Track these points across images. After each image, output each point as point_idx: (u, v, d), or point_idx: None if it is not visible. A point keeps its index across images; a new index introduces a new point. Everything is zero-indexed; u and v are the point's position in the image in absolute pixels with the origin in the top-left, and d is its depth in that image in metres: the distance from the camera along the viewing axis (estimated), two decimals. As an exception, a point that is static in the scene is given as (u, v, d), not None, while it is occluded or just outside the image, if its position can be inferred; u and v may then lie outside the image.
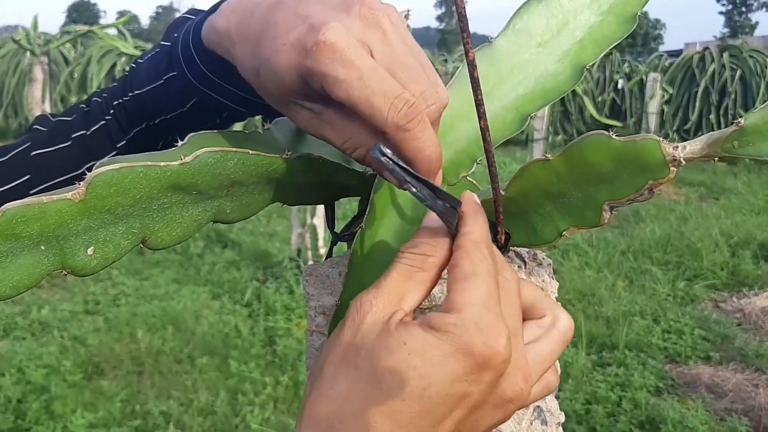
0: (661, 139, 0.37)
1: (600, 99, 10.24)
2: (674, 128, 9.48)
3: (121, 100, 0.57)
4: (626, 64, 10.77)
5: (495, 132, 0.48)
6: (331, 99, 0.40)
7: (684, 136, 9.32)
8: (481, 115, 0.40)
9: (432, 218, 0.41)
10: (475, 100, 0.39)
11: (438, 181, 0.43)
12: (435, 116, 0.42)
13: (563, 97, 8.51)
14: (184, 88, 0.53)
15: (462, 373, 0.35)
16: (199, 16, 0.52)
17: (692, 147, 0.37)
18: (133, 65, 0.58)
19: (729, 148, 0.36)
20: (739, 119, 0.35)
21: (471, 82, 0.39)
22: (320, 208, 4.23)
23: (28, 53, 6.48)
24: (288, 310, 3.64)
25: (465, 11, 0.37)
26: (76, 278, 3.81)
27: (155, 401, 2.81)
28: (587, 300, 4.03)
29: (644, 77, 9.63)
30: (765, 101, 0.35)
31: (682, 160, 0.36)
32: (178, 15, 0.60)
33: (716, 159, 0.36)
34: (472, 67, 0.38)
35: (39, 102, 5.78)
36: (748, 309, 3.99)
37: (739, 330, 3.72)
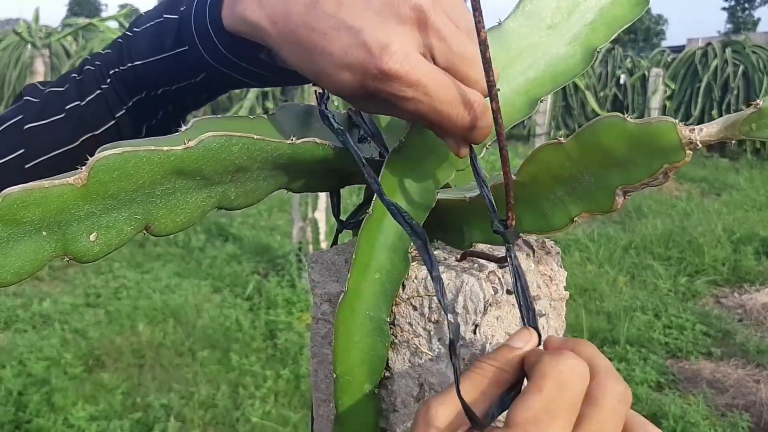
0: (677, 121, 0.36)
1: (602, 94, 10.21)
2: (676, 124, 9.45)
3: (118, 69, 0.56)
4: (628, 59, 10.74)
5: (505, 115, 0.47)
6: None
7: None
8: (493, 98, 0.39)
9: (518, 334, 0.41)
10: (487, 82, 0.39)
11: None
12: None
13: (565, 92, 8.47)
14: (196, 64, 0.52)
15: None
16: None
17: (709, 129, 0.36)
18: (129, 33, 0.56)
19: (747, 131, 0.35)
20: (758, 101, 0.35)
21: (483, 62, 0.38)
22: (321, 202, 4.23)
23: (29, 46, 6.46)
24: (289, 303, 3.64)
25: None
26: (77, 271, 3.81)
27: (156, 394, 2.80)
28: (588, 295, 4.02)
29: (647, 72, 9.60)
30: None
31: (698, 143, 0.36)
32: None
33: (732, 141, 0.35)
34: (483, 47, 0.37)
35: (40, 95, 5.76)
36: (749, 305, 3.99)
37: (741, 326, 3.72)
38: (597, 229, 5.31)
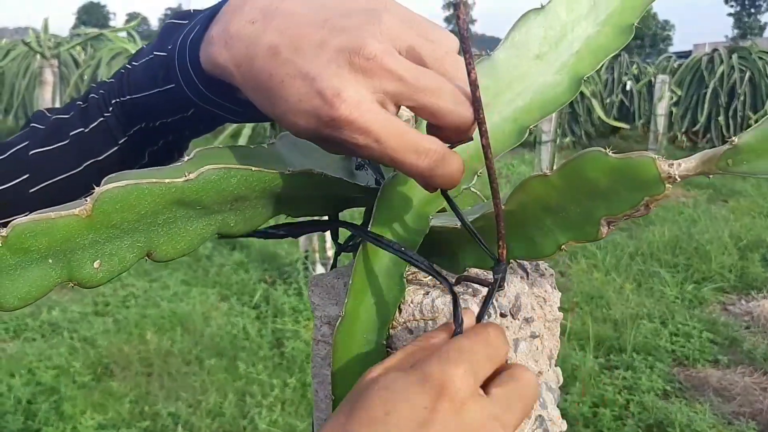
0: (656, 156, 0.37)
1: (608, 101, 10.21)
2: (683, 130, 9.45)
3: (118, 100, 0.57)
4: (635, 66, 10.73)
5: (494, 144, 0.49)
6: None
7: (692, 138, 9.28)
8: (483, 133, 0.41)
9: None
10: (477, 119, 0.40)
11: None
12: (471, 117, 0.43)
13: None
14: (183, 101, 0.53)
15: (422, 399, 0.36)
16: (193, 27, 0.51)
17: (687, 164, 0.37)
18: (128, 66, 0.58)
19: (723, 166, 0.36)
20: (733, 138, 0.36)
21: (473, 101, 0.39)
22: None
23: (38, 56, 6.52)
24: (296, 312, 3.66)
25: (468, 33, 0.37)
26: (86, 280, 3.83)
27: (164, 402, 2.82)
28: (595, 302, 4.02)
29: (653, 79, 9.59)
30: None
31: (677, 177, 0.37)
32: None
33: (710, 176, 0.37)
34: (474, 87, 0.39)
35: (49, 104, 5.82)
36: (756, 312, 3.97)
37: (748, 333, 3.71)
38: (603, 236, 5.30)
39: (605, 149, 0.38)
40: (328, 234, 3.82)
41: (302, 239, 4.35)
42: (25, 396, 2.82)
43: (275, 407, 2.79)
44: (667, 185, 0.37)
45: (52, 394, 2.84)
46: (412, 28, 0.43)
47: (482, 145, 0.39)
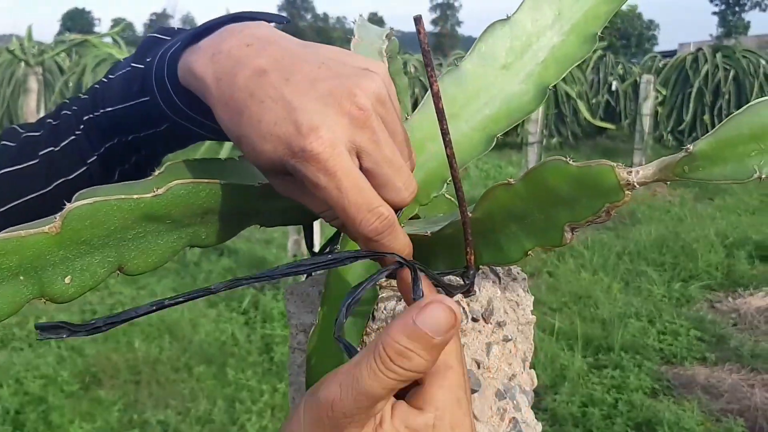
0: (615, 164, 0.38)
1: (594, 101, 10.27)
2: (668, 129, 9.51)
3: (92, 115, 0.57)
4: (620, 66, 10.81)
5: (462, 153, 0.50)
6: None
7: (678, 137, 9.35)
8: (447, 143, 0.41)
9: (432, 313, 0.35)
10: (441, 129, 0.41)
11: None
12: (410, 202, 0.45)
13: (557, 100, 8.48)
14: (158, 115, 0.53)
15: None
16: (175, 43, 0.51)
17: (645, 172, 0.38)
18: (104, 80, 0.58)
19: (680, 173, 0.37)
20: (688, 146, 0.37)
21: (436, 112, 0.40)
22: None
23: (22, 63, 6.49)
24: (285, 317, 3.65)
25: (429, 47, 0.38)
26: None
27: (153, 410, 2.82)
28: (583, 302, 4.04)
29: (638, 79, 9.65)
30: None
31: (635, 184, 0.38)
32: (171, 21, 0.59)
33: (668, 183, 0.38)
34: (436, 98, 0.40)
35: (34, 112, 5.80)
36: (743, 309, 4.01)
37: (735, 330, 3.74)
38: (591, 236, 5.34)
39: (566, 158, 0.39)
40: (316, 238, 3.80)
41: (290, 244, 4.35)
42: (13, 406, 2.80)
43: (265, 413, 2.79)
44: (627, 192, 0.38)
45: (40, 404, 2.83)
46: (385, 92, 0.44)
47: (447, 155, 0.40)
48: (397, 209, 0.44)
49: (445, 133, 0.40)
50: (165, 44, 0.53)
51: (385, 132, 0.42)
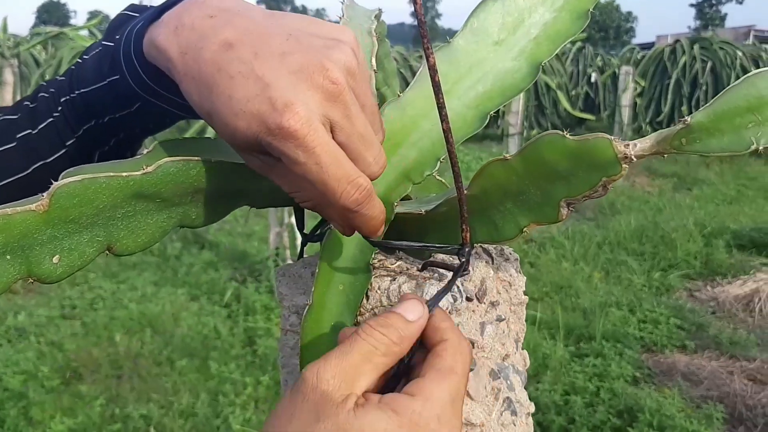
0: (612, 137, 0.38)
1: (574, 93, 10.32)
2: (647, 120, 9.59)
3: (68, 97, 0.56)
4: (599, 58, 10.87)
5: (456, 131, 0.49)
6: None
7: (657, 127, 9.39)
8: (443, 118, 0.41)
9: (408, 303, 0.41)
10: (437, 104, 0.40)
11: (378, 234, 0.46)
12: (379, 175, 0.44)
13: (537, 92, 8.51)
14: (128, 92, 0.51)
15: None
16: (142, 19, 0.49)
17: (642, 144, 0.38)
18: (79, 60, 0.56)
19: (677, 145, 0.37)
20: (686, 118, 0.37)
21: (432, 85, 0.40)
22: (298, 207, 4.22)
23: (-3, 56, 6.37)
24: (268, 310, 3.64)
25: (424, 18, 0.38)
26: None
27: (135, 405, 2.79)
28: (564, 292, 4.07)
29: (617, 70, 9.72)
30: None
31: (633, 157, 0.38)
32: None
33: (665, 155, 0.38)
34: (433, 71, 0.39)
35: (10, 104, 5.70)
36: (721, 297, 4.06)
37: (714, 318, 3.79)
38: (571, 227, 5.38)
39: (563, 132, 0.39)
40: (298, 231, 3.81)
41: (272, 236, 4.33)
42: (-7, 402, 2.77)
43: (249, 406, 2.78)
44: (624, 165, 0.38)
45: (20, 400, 2.79)
46: (355, 62, 0.43)
47: (443, 130, 0.40)
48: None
49: (441, 107, 0.39)
50: (133, 20, 0.51)
51: (357, 105, 0.42)
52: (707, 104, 0.37)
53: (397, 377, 0.40)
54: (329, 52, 0.41)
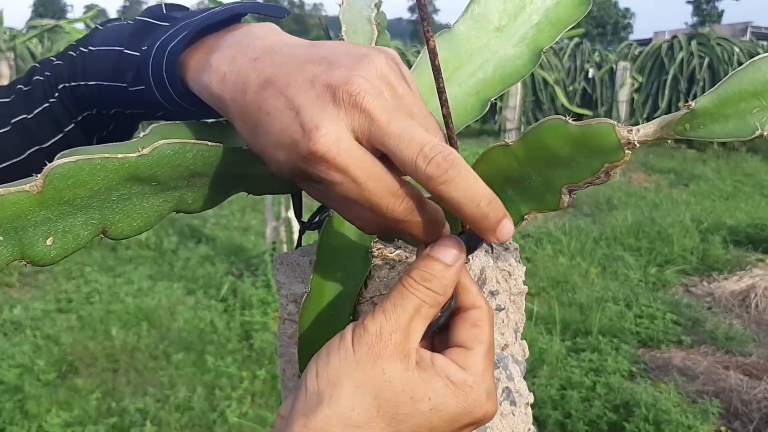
0: (615, 122, 0.37)
1: (571, 88, 10.32)
2: (644, 116, 9.59)
3: (69, 84, 0.55)
4: (596, 53, 10.86)
5: (456, 117, 0.48)
6: None
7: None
8: (444, 103, 0.40)
9: (445, 246, 0.42)
10: (437, 88, 0.40)
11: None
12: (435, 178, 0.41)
13: (535, 87, 8.48)
14: (153, 103, 0.51)
15: (461, 426, 0.40)
16: (173, 36, 0.48)
17: (646, 130, 0.37)
18: (84, 49, 0.55)
19: (681, 131, 0.37)
20: (690, 102, 0.36)
21: (432, 69, 0.39)
22: (294, 201, 4.21)
23: (-7, 49, 6.35)
24: (264, 304, 3.63)
25: (425, 0, 0.37)
26: (48, 276, 3.75)
27: (131, 398, 2.79)
28: (561, 287, 4.07)
29: (614, 66, 9.73)
30: None
31: (636, 142, 0.37)
32: (145, 7, 0.57)
33: (668, 141, 0.37)
34: (433, 54, 0.39)
35: (5, 98, 5.67)
36: (718, 293, 4.07)
37: (710, 314, 3.79)
38: (568, 222, 5.38)
39: (565, 117, 0.38)
40: (294, 224, 3.78)
41: (269, 230, 4.32)
42: (-12, 396, 2.76)
43: (245, 400, 2.78)
44: (627, 151, 0.37)
45: (16, 393, 2.79)
46: (393, 74, 0.42)
47: (443, 116, 0.39)
48: (419, 180, 0.41)
49: (441, 91, 0.38)
50: (159, 31, 0.50)
51: (386, 109, 0.40)
52: (711, 89, 0.36)
53: (431, 325, 0.42)
54: (356, 67, 0.41)
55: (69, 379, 2.96)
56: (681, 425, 2.56)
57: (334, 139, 0.38)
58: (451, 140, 0.41)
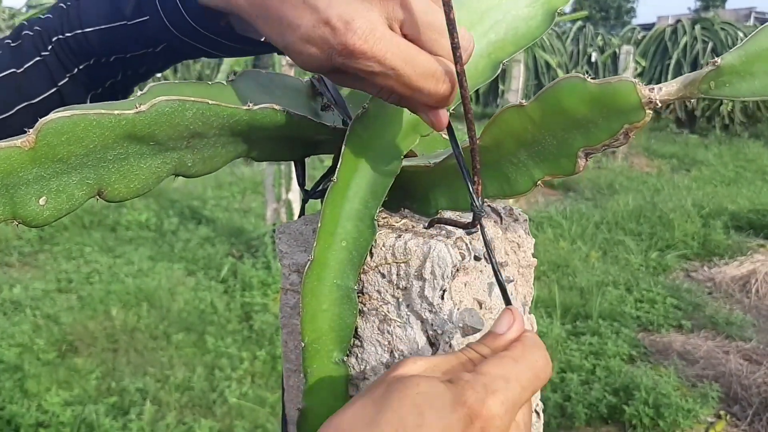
0: (636, 80, 0.35)
1: (574, 72, 10.25)
2: (647, 101, 9.54)
3: (62, 36, 0.53)
4: (599, 37, 10.79)
5: (469, 79, 0.47)
6: None
7: (657, 108, 9.38)
8: (458, 59, 0.38)
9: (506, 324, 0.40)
10: (452, 44, 0.38)
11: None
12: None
13: (537, 71, 8.40)
14: (157, 34, 0.50)
15: (455, 422, 0.35)
16: None
17: (668, 88, 0.36)
18: (69, 2, 0.54)
19: (705, 89, 0.35)
20: (716, 59, 0.35)
21: (447, 23, 0.37)
22: (295, 183, 4.20)
23: (-9, 28, 6.30)
24: (264, 285, 3.62)
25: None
26: (48, 256, 3.74)
27: (131, 378, 2.78)
28: (561, 271, 4.06)
29: (617, 50, 9.65)
30: None
31: (657, 101, 0.35)
32: None
33: (690, 101, 0.35)
34: (448, 7, 0.37)
35: (4, 78, 5.64)
36: (718, 278, 4.06)
37: (710, 298, 3.79)
38: (569, 206, 5.36)
39: (584, 75, 0.36)
40: (295, 206, 3.77)
41: (269, 212, 4.31)
42: (-12, 374, 2.76)
43: (245, 380, 2.78)
44: (648, 111, 0.36)
45: (16, 372, 2.78)
46: None
47: (457, 72, 0.37)
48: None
49: (456, 47, 0.37)
50: None
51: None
52: (738, 45, 0.34)
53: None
54: None
55: (69, 359, 2.96)
56: (681, 409, 2.56)
57: (369, 29, 0.39)
58: (464, 100, 0.39)
